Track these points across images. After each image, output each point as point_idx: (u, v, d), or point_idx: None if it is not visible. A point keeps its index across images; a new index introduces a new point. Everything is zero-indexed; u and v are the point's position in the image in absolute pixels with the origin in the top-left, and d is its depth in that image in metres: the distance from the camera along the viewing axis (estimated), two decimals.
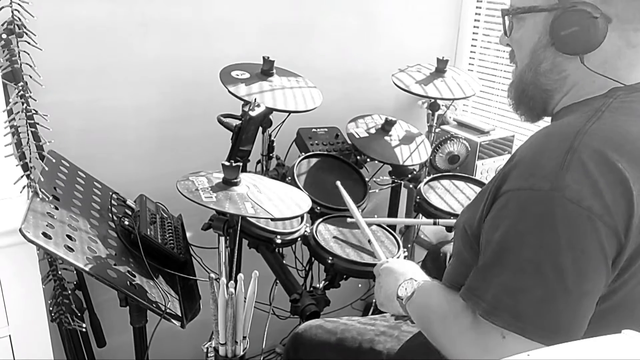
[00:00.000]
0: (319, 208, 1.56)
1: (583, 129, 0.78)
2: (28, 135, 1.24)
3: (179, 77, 1.71)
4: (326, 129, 1.89)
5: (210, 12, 1.71)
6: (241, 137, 1.42)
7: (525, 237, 0.76)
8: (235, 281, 1.06)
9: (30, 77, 1.39)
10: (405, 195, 2.11)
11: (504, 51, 2.14)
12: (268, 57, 1.64)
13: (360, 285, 2.16)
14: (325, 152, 1.79)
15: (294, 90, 1.66)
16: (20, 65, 1.36)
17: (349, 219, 1.48)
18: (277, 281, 1.52)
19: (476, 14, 2.25)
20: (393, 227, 2.01)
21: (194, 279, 1.41)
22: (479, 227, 0.85)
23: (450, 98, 1.92)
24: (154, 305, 1.18)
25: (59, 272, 1.45)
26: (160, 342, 1.36)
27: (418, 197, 1.69)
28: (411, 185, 1.89)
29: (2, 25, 1.37)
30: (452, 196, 1.71)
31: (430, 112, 2.00)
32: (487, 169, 2.05)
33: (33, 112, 1.25)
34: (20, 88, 1.28)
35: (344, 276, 1.42)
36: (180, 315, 1.23)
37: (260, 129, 1.60)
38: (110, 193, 1.44)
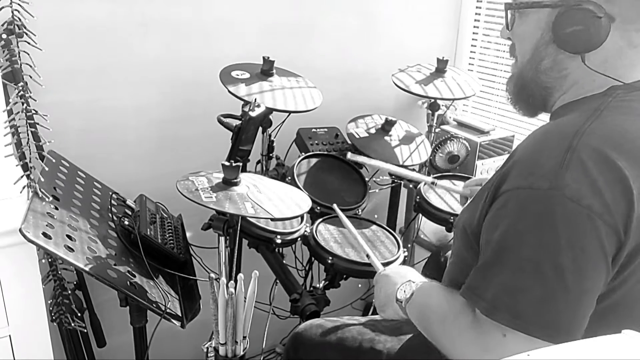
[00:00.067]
0: (319, 208, 1.56)
1: (582, 128, 0.78)
2: (28, 135, 1.24)
3: (179, 77, 1.71)
4: (326, 129, 1.89)
5: (210, 12, 1.71)
6: (241, 137, 1.42)
7: (525, 236, 0.76)
8: (235, 281, 1.06)
9: (30, 77, 1.39)
10: (405, 195, 2.11)
11: (504, 51, 2.14)
12: (268, 57, 1.64)
13: (360, 285, 2.16)
14: (325, 152, 1.79)
15: (294, 90, 1.66)
16: (20, 65, 1.36)
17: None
18: (277, 281, 1.52)
19: (476, 14, 2.25)
20: (393, 227, 2.02)
21: (194, 279, 1.41)
22: (479, 226, 0.85)
23: (450, 98, 1.92)
24: (154, 305, 1.18)
25: (59, 272, 1.45)
26: (160, 342, 1.36)
27: (418, 197, 1.69)
28: (411, 185, 1.89)
29: (2, 25, 1.37)
30: (452, 196, 1.71)
31: (430, 112, 2.00)
32: (487, 169, 2.05)
33: (33, 112, 1.25)
34: (20, 88, 1.28)
35: (344, 276, 1.42)
36: (180, 315, 1.23)
37: (260, 129, 1.60)
38: (110, 193, 1.44)
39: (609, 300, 0.79)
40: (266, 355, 2.07)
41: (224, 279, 1.06)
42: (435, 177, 1.79)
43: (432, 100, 1.95)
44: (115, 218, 1.35)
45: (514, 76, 0.97)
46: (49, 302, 1.43)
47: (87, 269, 1.09)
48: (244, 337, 1.13)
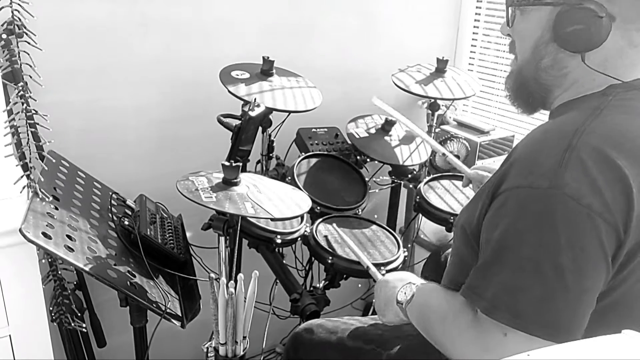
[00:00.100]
0: (319, 208, 1.56)
1: (582, 127, 0.78)
2: (28, 135, 1.24)
3: (179, 77, 1.71)
4: (326, 129, 1.89)
5: (210, 12, 1.71)
6: (241, 137, 1.42)
7: (525, 235, 0.76)
8: (235, 281, 1.06)
9: (30, 77, 1.39)
10: (405, 195, 2.11)
11: (504, 51, 2.14)
12: (268, 57, 1.64)
13: (360, 285, 2.16)
14: (325, 152, 1.79)
15: (294, 90, 1.66)
16: (20, 65, 1.36)
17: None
18: (277, 281, 1.52)
19: (476, 14, 2.25)
20: (393, 227, 2.02)
21: (194, 279, 1.41)
22: (478, 226, 0.85)
23: (450, 98, 1.92)
24: (154, 305, 1.18)
25: (59, 272, 1.45)
26: (160, 342, 1.36)
27: (418, 197, 1.69)
28: (411, 185, 1.89)
29: (2, 25, 1.37)
30: (452, 196, 1.71)
31: (430, 112, 2.00)
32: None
33: (33, 112, 1.25)
34: (20, 88, 1.28)
35: (344, 276, 1.42)
36: (180, 315, 1.23)
37: (260, 129, 1.60)
38: (110, 193, 1.44)
39: (609, 299, 0.79)
40: (266, 355, 2.07)
41: (224, 279, 1.06)
42: (434, 177, 1.80)
43: (432, 100, 1.94)
44: (115, 218, 1.35)
45: (514, 73, 0.97)
46: (49, 302, 1.43)
47: (87, 269, 1.09)
48: (244, 337, 1.13)
